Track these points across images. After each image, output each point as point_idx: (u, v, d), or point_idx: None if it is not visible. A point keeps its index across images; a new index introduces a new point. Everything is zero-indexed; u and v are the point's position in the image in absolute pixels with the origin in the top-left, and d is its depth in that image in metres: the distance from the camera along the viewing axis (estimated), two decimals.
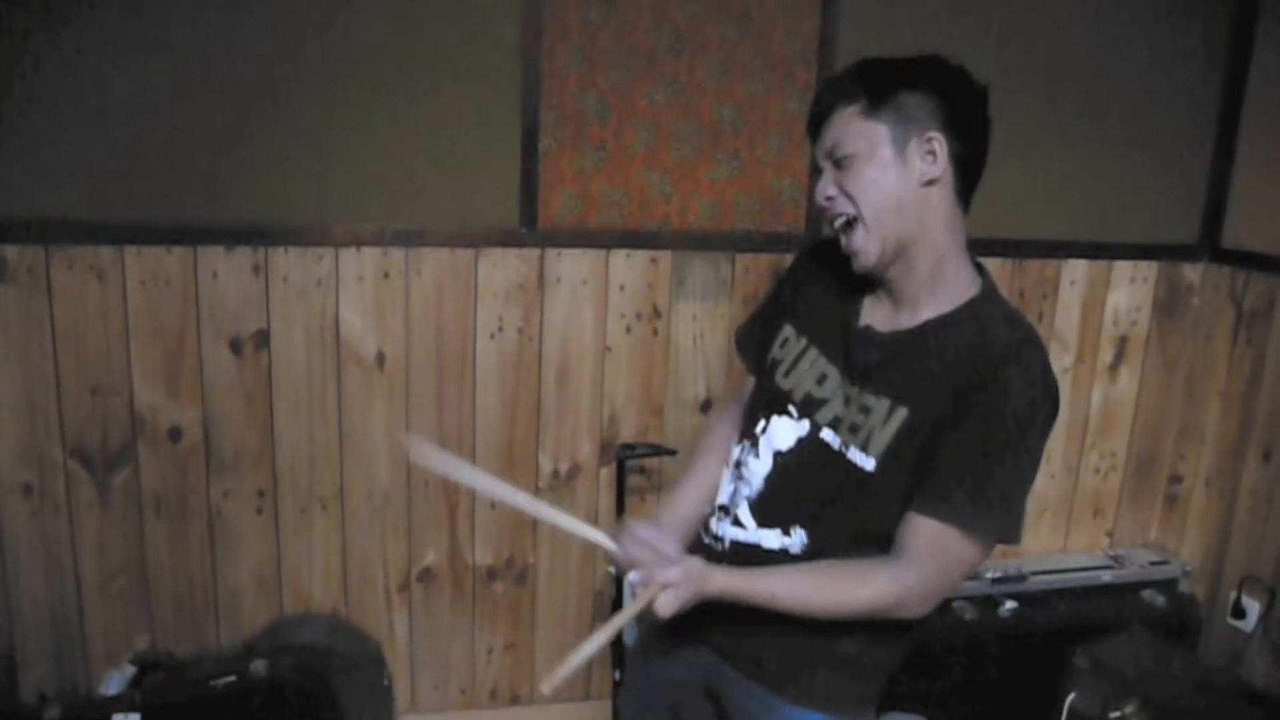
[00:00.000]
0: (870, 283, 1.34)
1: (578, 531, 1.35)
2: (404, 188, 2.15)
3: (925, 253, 1.28)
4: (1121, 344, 2.66)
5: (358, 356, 2.21)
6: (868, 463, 1.27)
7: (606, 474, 2.39)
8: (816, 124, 1.31)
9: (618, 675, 2.32)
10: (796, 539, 1.34)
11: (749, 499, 1.39)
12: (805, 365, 1.38)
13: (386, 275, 2.18)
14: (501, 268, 2.24)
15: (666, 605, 1.23)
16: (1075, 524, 2.76)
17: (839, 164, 1.27)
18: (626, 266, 2.31)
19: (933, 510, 1.24)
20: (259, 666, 1.99)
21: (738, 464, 1.42)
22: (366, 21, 2.06)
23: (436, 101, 2.12)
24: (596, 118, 2.21)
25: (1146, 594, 2.53)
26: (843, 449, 1.30)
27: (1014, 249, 2.51)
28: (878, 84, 1.26)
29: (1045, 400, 1.24)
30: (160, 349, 2.10)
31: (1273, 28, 2.48)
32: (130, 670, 2.06)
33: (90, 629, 2.19)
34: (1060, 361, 2.62)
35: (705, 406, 2.42)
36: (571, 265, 2.27)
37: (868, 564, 1.28)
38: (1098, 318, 2.63)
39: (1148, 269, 2.64)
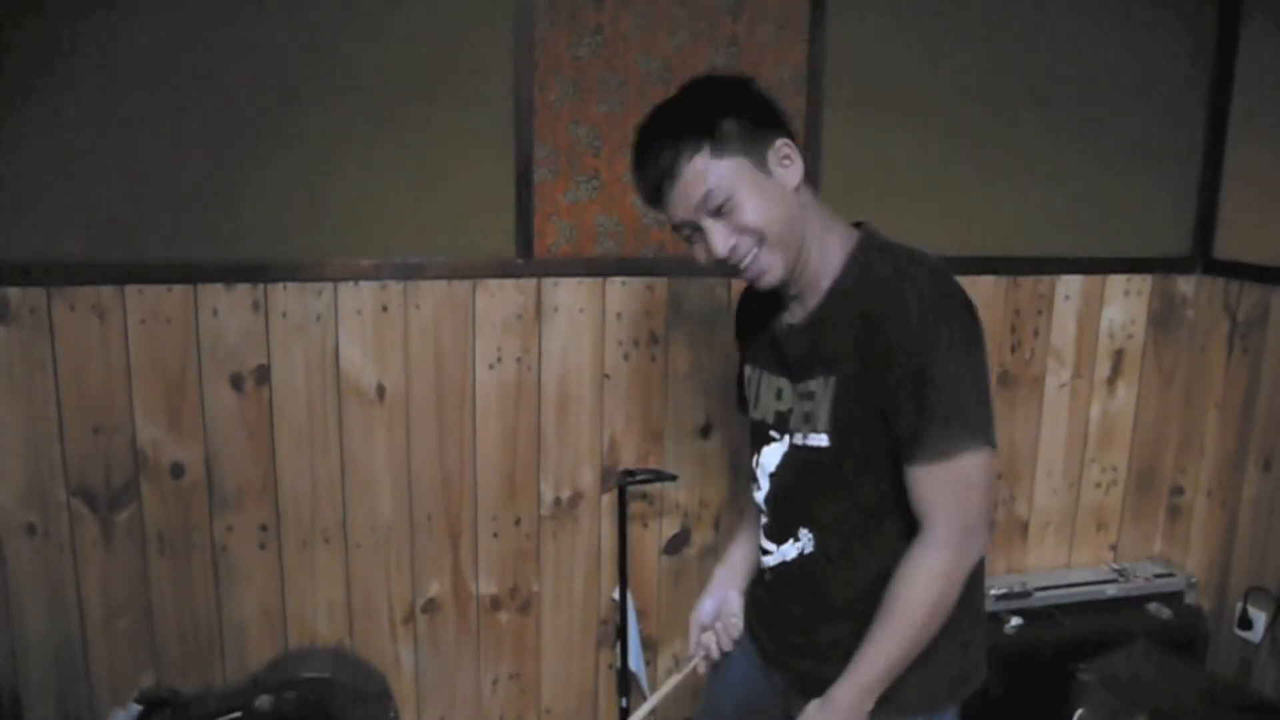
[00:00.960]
0: (785, 294, 1.39)
1: (685, 674, 1.57)
2: (400, 222, 2.17)
3: (812, 245, 1.33)
4: (1118, 358, 2.68)
5: (358, 389, 2.22)
6: (821, 440, 1.32)
7: (608, 501, 2.39)
8: (662, 191, 1.29)
9: (624, 703, 2.31)
10: (805, 540, 1.39)
11: (764, 526, 1.47)
12: (764, 390, 1.45)
13: (385, 308, 2.20)
14: (499, 298, 2.26)
15: None
16: (1078, 539, 2.76)
17: (720, 212, 1.27)
18: (623, 294, 2.32)
19: (914, 457, 1.25)
20: (264, 702, 1.98)
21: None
22: (360, 58, 2.09)
23: (431, 136, 2.15)
24: (589, 148, 2.24)
25: (1152, 607, 2.53)
26: (806, 440, 1.35)
27: (1007, 266, 2.53)
28: (705, 122, 1.25)
29: (947, 298, 1.24)
30: (162, 386, 2.11)
31: (1256, 37, 2.52)
32: (136, 709, 2.05)
33: (95, 667, 2.19)
34: (1057, 376, 2.63)
35: (705, 431, 2.43)
36: (568, 294, 2.29)
37: (902, 565, 1.28)
38: (1093, 332, 2.64)
39: (1141, 282, 2.65)
